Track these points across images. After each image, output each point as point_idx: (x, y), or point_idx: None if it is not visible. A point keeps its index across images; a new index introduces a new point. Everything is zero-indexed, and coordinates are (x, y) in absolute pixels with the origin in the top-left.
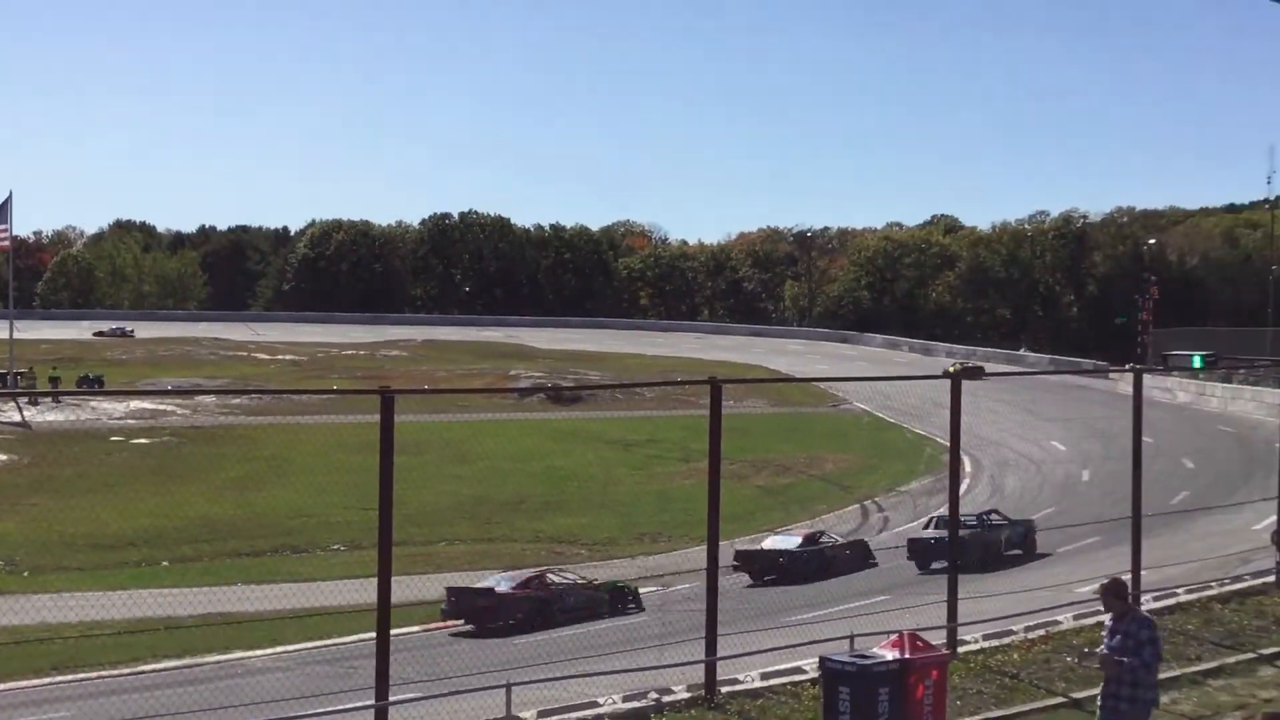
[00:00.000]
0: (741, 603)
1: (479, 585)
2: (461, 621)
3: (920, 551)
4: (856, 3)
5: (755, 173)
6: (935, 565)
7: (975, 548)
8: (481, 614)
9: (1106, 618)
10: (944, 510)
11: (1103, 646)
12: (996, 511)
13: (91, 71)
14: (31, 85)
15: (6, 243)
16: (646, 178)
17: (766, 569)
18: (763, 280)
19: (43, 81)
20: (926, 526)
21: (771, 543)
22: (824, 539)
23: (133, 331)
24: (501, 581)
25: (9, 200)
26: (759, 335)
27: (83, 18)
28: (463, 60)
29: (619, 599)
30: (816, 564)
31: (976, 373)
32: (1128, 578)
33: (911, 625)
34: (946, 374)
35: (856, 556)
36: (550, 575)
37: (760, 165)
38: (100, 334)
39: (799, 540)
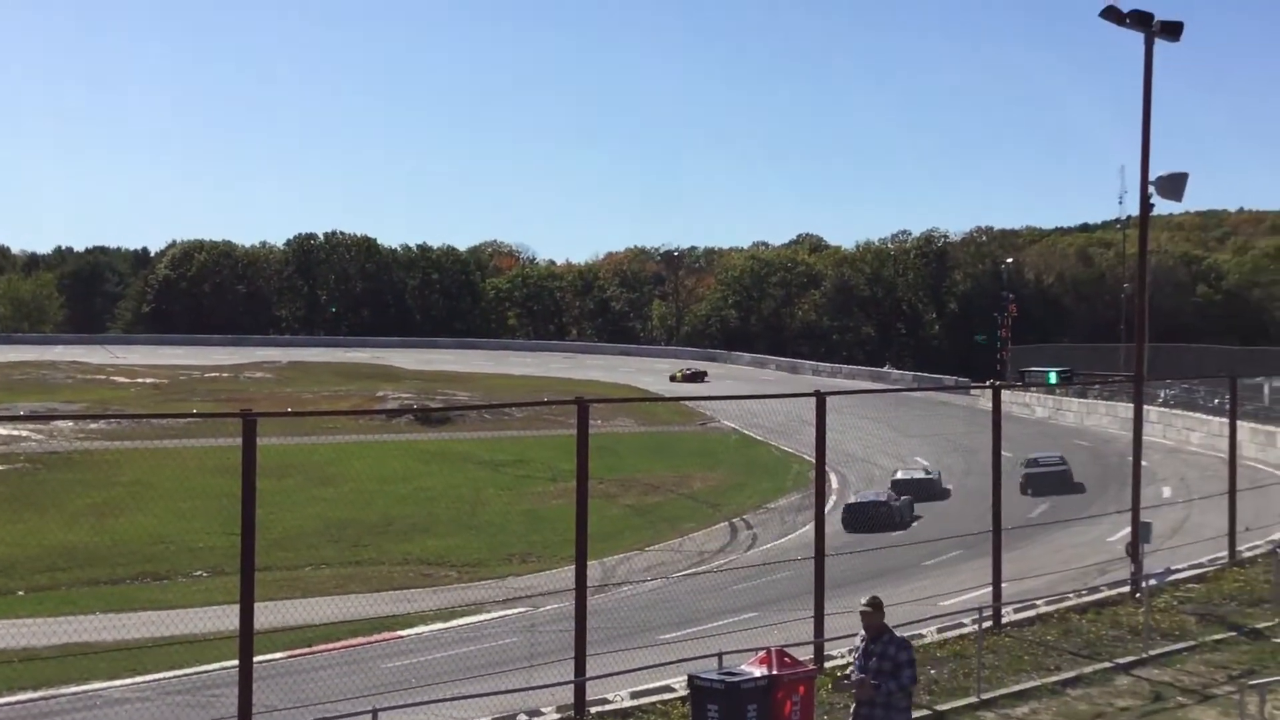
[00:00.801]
0: (610, 621)
1: None
2: None
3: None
4: (719, 22)
5: (622, 192)
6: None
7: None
8: None
9: (858, 638)
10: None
11: (853, 668)
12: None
13: None
14: None
15: None
16: (514, 198)
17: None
18: (630, 300)
19: None
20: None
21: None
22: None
23: None
24: None
25: None
26: (627, 354)
27: None
28: (325, 76)
29: None
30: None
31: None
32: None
33: (780, 641)
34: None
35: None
36: None
37: (627, 185)
38: None
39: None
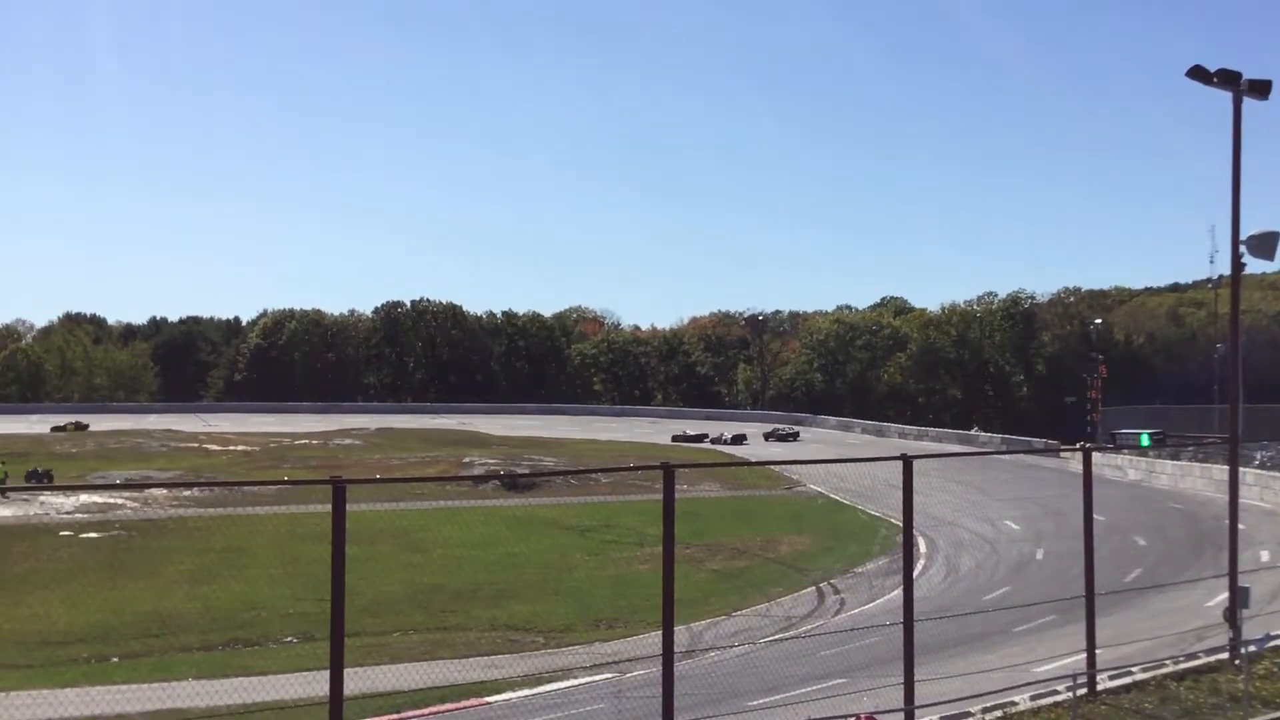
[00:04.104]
0: (698, 687)
1: None
2: None
3: None
4: (804, 89)
5: (707, 257)
6: None
7: None
8: None
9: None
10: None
11: None
12: None
13: (40, 164)
14: None
15: None
16: (599, 264)
17: None
18: (715, 364)
19: None
20: None
21: None
22: None
23: (87, 425)
24: None
25: None
26: (712, 419)
27: (31, 108)
28: (414, 148)
29: None
30: None
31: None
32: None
33: (869, 708)
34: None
35: None
36: None
37: (712, 250)
38: (58, 429)
39: None
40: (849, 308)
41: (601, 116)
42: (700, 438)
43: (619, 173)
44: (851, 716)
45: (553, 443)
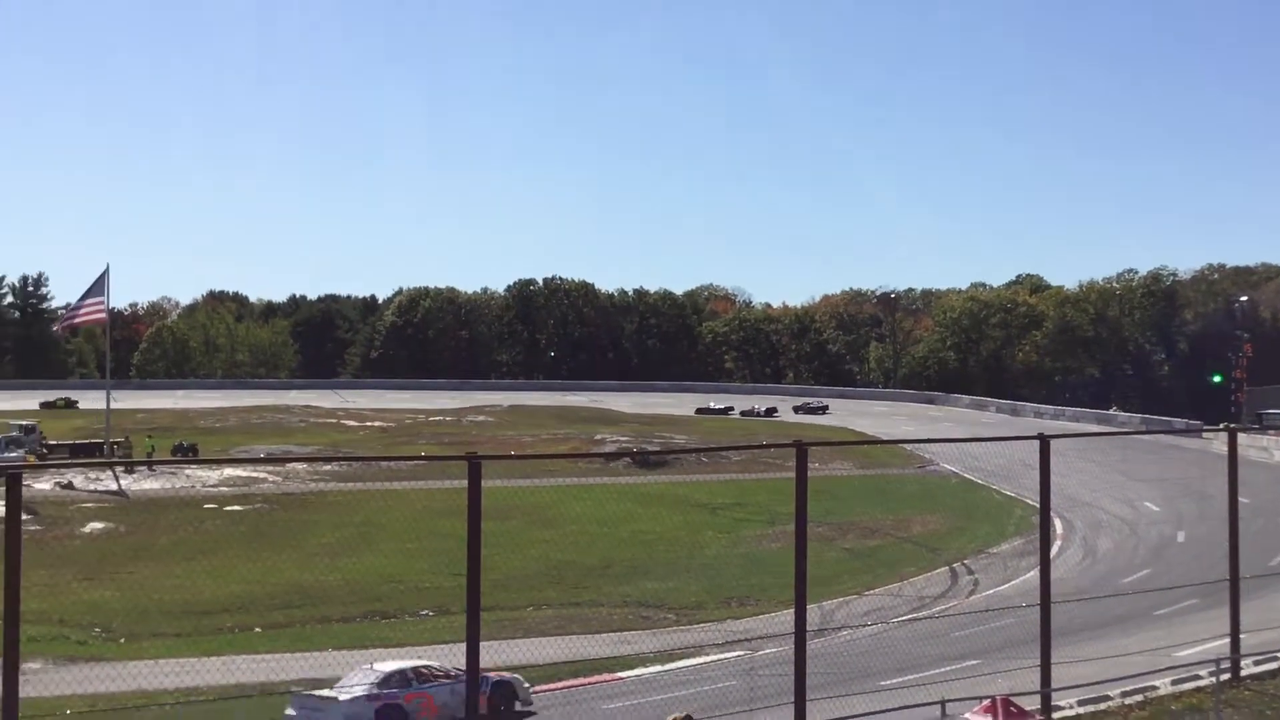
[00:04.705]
0: (829, 666)
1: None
2: None
3: None
4: (937, 63)
5: (838, 234)
6: None
7: None
8: None
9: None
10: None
11: None
12: None
13: (183, 146)
14: (126, 162)
15: (103, 315)
16: (730, 241)
17: None
18: (847, 342)
19: (137, 158)
20: None
21: None
22: None
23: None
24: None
25: (105, 273)
26: (844, 397)
27: (178, 96)
28: (546, 127)
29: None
30: None
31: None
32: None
33: (1004, 690)
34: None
35: None
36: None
37: (843, 227)
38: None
39: None
40: (983, 285)
41: (733, 96)
42: (726, 410)
43: (750, 152)
44: (986, 698)
45: (684, 420)
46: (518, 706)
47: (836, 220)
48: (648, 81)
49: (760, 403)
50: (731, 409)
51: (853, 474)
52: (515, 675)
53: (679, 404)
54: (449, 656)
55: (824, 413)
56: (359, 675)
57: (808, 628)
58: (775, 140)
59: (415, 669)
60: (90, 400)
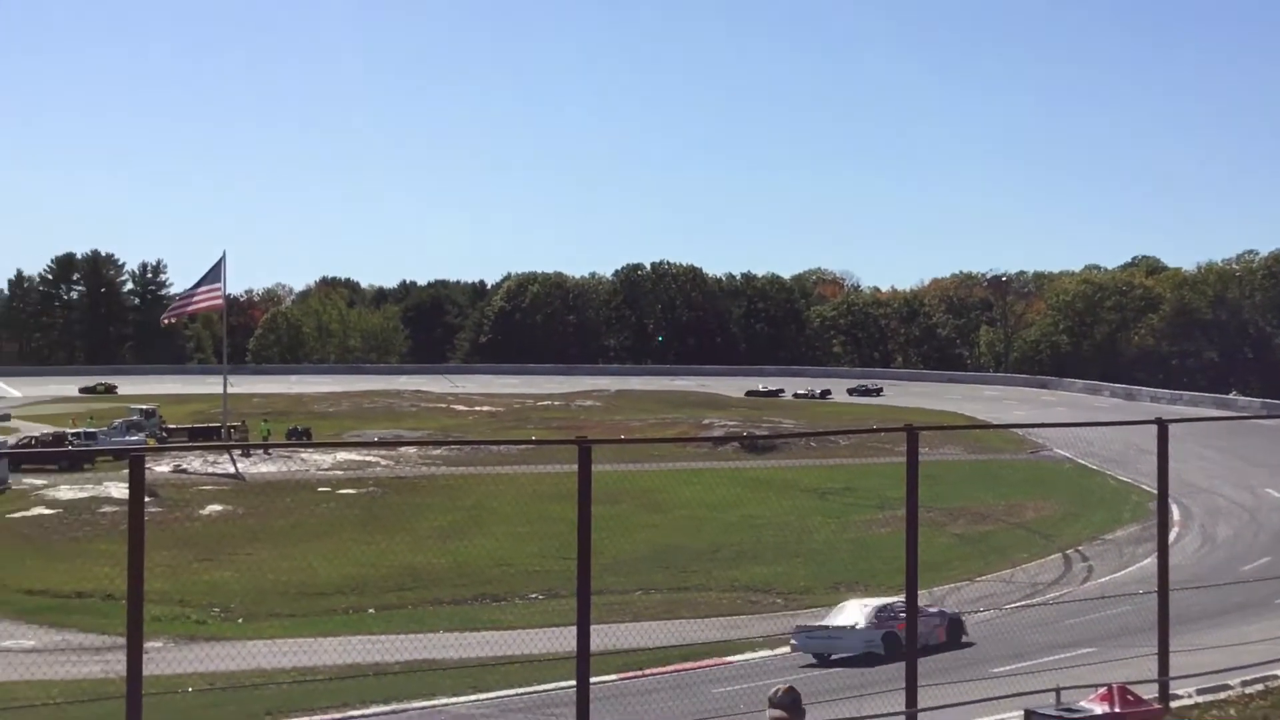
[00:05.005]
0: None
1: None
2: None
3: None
4: (1046, 44)
5: (947, 218)
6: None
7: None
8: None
9: None
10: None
11: None
12: None
13: (296, 136)
14: (242, 152)
15: (220, 301)
16: (838, 225)
17: None
18: (957, 326)
19: (252, 149)
20: None
21: None
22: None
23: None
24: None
25: (222, 260)
26: (954, 382)
27: (292, 88)
28: (654, 112)
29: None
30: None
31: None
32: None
33: (1121, 678)
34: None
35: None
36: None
37: (953, 210)
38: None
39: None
40: (1097, 267)
41: (841, 80)
42: (776, 393)
43: (859, 135)
44: (1102, 686)
45: (791, 405)
46: (963, 639)
47: (946, 203)
48: (756, 66)
49: (846, 385)
50: (781, 391)
51: (963, 459)
52: (960, 611)
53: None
54: (559, 639)
55: (878, 395)
56: (849, 611)
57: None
58: (883, 123)
59: (893, 604)
60: (207, 385)
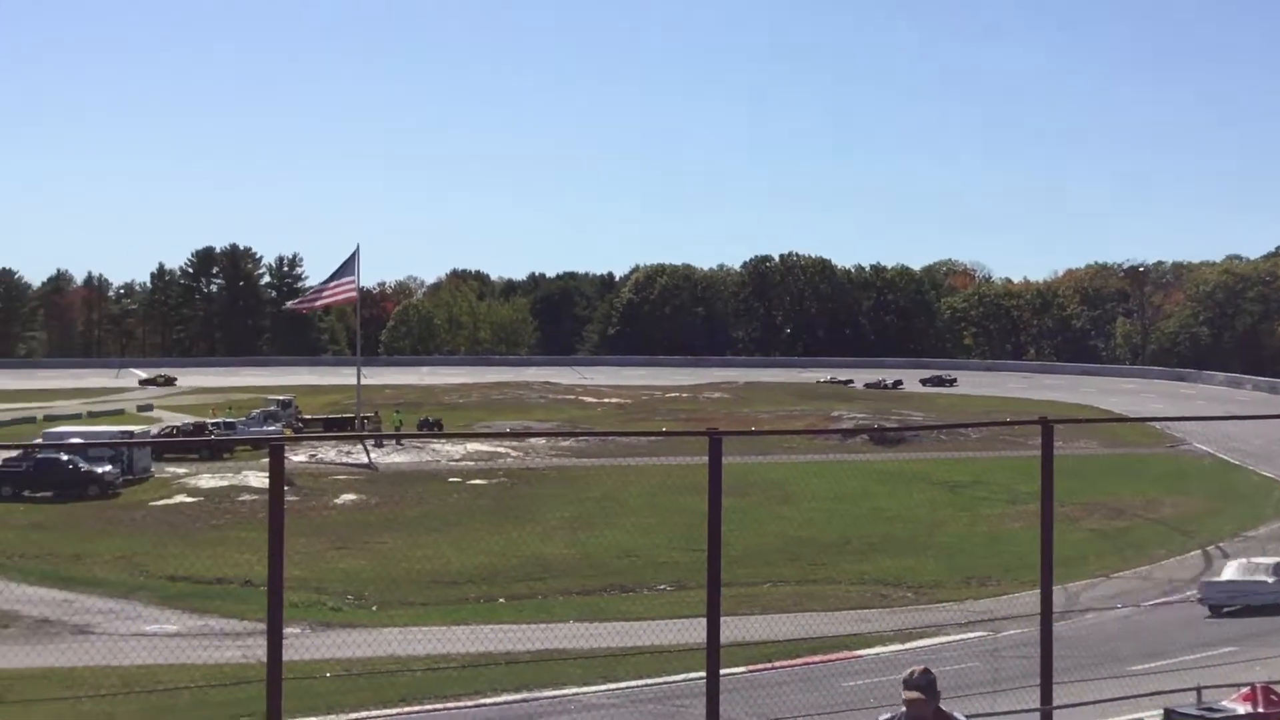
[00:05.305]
0: (1075, 650)
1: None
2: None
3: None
4: (1184, 31)
5: (1082, 207)
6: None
7: None
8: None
9: None
10: None
11: None
12: None
13: (428, 134)
14: (375, 149)
15: (354, 293)
16: (969, 216)
17: None
18: (1092, 318)
19: (385, 145)
20: None
21: None
22: None
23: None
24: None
25: (356, 254)
26: (1089, 374)
27: (421, 87)
28: (784, 103)
29: None
30: None
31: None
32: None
33: (1263, 678)
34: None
35: None
36: None
37: (1088, 199)
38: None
39: None
40: (1239, 257)
41: (970, 66)
42: (847, 383)
43: (989, 125)
44: (1245, 686)
45: (920, 397)
46: None
47: (1081, 193)
48: (888, 55)
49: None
50: (852, 381)
51: (1098, 453)
52: None
53: (916, 380)
54: (687, 631)
55: (952, 385)
56: (1236, 568)
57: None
58: (1014, 113)
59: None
60: (341, 377)
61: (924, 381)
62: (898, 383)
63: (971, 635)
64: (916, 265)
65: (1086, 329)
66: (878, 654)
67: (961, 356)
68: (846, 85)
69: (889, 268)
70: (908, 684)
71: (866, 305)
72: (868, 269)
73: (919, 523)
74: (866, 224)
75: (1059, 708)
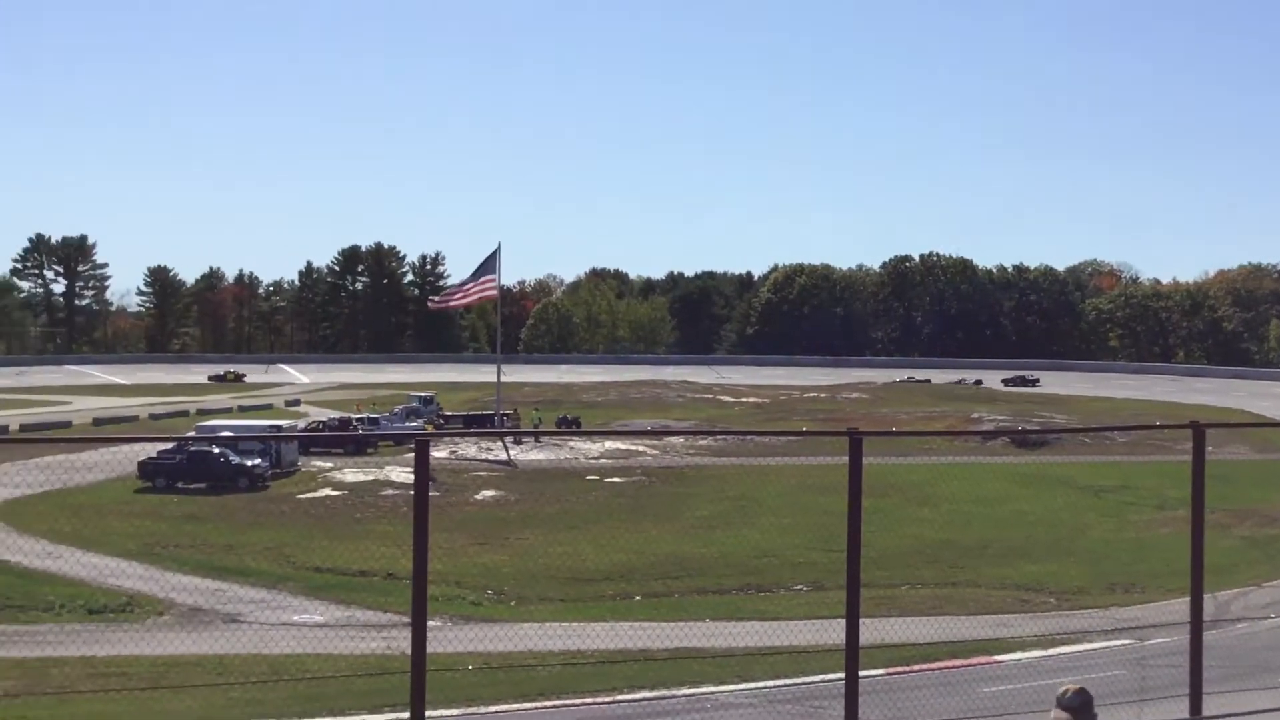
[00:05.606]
0: (1225, 660)
1: None
2: None
3: None
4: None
5: (1235, 206)
6: None
7: None
8: None
9: None
10: None
11: None
12: None
13: (568, 135)
14: (516, 149)
15: (494, 292)
16: (1115, 216)
17: None
18: (1245, 320)
19: (525, 146)
20: None
21: None
22: None
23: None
24: None
25: (497, 251)
26: (1240, 378)
27: (561, 90)
28: (923, 103)
29: None
30: None
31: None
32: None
33: None
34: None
35: None
36: None
37: (1241, 198)
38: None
39: None
40: None
41: (1115, 67)
42: (925, 382)
43: (1136, 124)
44: None
45: (1064, 399)
46: None
47: (1232, 192)
48: (1032, 56)
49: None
50: (929, 380)
51: (1251, 459)
52: None
53: (1060, 383)
54: (823, 631)
55: (1035, 385)
56: None
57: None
58: (1163, 110)
59: None
60: (481, 374)
61: (1005, 381)
62: (978, 382)
63: (1116, 643)
64: (1060, 265)
65: (1239, 331)
66: (1018, 659)
67: (1106, 359)
68: (991, 83)
69: (1032, 268)
70: (1060, 703)
71: (1009, 306)
72: (1010, 269)
73: (1062, 527)
74: (1009, 224)
75: (1209, 719)
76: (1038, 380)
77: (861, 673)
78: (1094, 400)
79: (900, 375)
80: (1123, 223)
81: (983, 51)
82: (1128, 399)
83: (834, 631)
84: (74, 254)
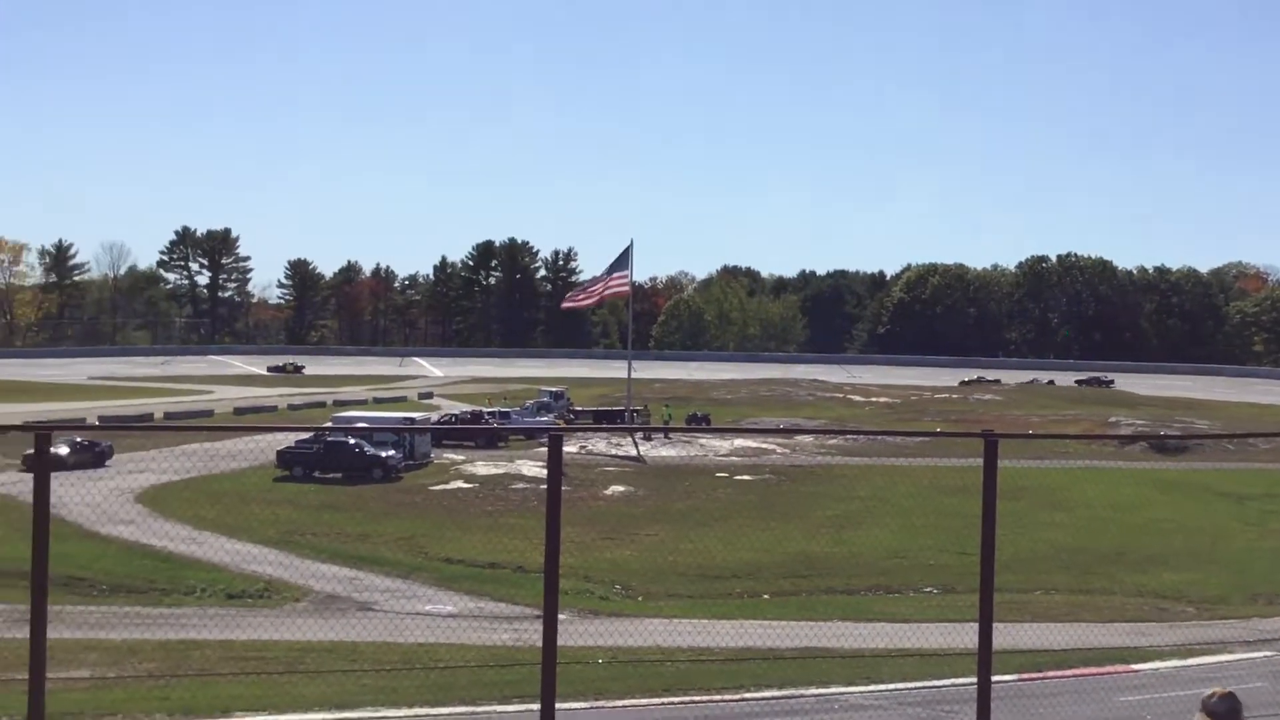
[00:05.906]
0: None
1: None
2: None
3: None
4: None
5: None
6: None
7: None
8: None
9: None
10: None
11: None
12: None
13: (701, 134)
14: (648, 147)
15: (627, 288)
16: (1261, 216)
17: None
18: None
19: (656, 142)
20: None
21: None
22: None
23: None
24: None
25: (629, 248)
26: None
27: (694, 87)
28: (1059, 103)
29: None
30: None
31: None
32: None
33: None
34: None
35: None
36: None
37: None
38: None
39: None
40: None
41: (1258, 66)
42: (996, 382)
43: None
44: None
45: (1205, 405)
46: None
47: None
48: (1169, 57)
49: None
50: (999, 380)
51: None
52: None
53: (1202, 388)
54: (953, 635)
55: (1109, 386)
56: None
57: None
58: None
59: None
60: (612, 370)
61: (1079, 383)
62: (1050, 382)
63: (1258, 655)
64: (1204, 268)
65: None
66: (1155, 669)
67: (1252, 363)
68: (1136, 83)
69: (1174, 270)
70: (1205, 708)
71: (1149, 308)
72: (1151, 270)
73: (1202, 534)
74: (1151, 225)
75: None
76: (1112, 381)
77: (994, 678)
78: (1236, 405)
79: (1027, 377)
80: (1270, 224)
81: (1126, 51)
82: (1272, 404)
83: (964, 635)
84: (218, 247)
